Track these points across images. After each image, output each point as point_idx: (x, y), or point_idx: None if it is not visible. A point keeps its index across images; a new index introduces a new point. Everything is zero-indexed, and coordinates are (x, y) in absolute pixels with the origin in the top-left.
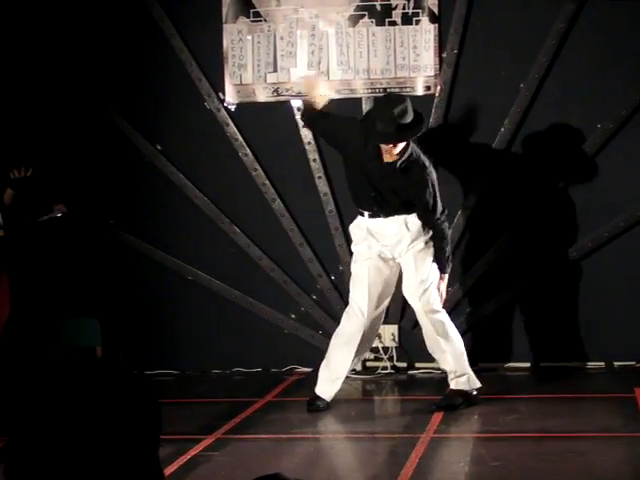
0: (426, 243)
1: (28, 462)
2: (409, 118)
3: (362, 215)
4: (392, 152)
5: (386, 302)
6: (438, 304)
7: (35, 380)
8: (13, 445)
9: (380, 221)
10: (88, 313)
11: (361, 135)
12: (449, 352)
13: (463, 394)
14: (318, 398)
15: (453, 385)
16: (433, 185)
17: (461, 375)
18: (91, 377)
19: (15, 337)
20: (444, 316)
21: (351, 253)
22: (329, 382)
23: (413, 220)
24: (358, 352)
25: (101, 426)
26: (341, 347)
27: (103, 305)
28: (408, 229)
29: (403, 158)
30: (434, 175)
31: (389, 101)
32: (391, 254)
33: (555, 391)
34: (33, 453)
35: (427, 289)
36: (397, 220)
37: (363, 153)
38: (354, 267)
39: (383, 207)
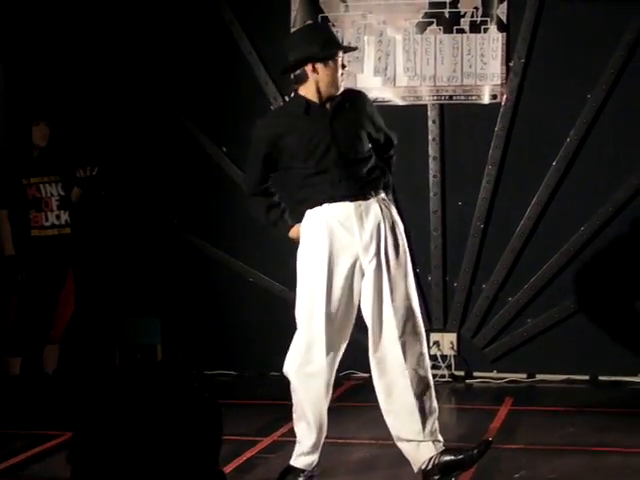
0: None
1: (93, 460)
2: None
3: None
4: (343, 75)
5: None
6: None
7: (100, 378)
8: (78, 443)
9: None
10: (149, 312)
11: (288, 114)
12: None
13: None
14: None
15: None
16: None
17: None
18: (154, 377)
19: (79, 334)
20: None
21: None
22: None
23: None
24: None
25: (163, 426)
26: None
27: (164, 304)
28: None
29: (343, 85)
30: None
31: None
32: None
33: (613, 405)
34: (97, 452)
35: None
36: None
37: (307, 123)
38: None
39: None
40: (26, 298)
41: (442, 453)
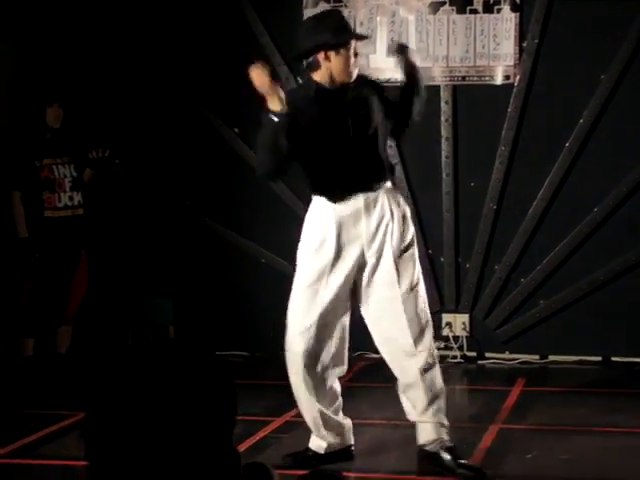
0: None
1: (106, 440)
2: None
3: None
4: (356, 63)
5: None
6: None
7: (113, 359)
8: (92, 423)
9: None
10: (162, 293)
11: (307, 92)
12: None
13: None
14: None
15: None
16: None
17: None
18: (168, 357)
19: (92, 314)
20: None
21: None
22: None
23: None
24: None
25: (177, 404)
26: None
27: (177, 286)
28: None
29: (356, 72)
30: None
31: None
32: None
33: (625, 386)
34: (110, 432)
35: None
36: None
37: (322, 108)
38: None
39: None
40: (39, 279)
41: (448, 449)
